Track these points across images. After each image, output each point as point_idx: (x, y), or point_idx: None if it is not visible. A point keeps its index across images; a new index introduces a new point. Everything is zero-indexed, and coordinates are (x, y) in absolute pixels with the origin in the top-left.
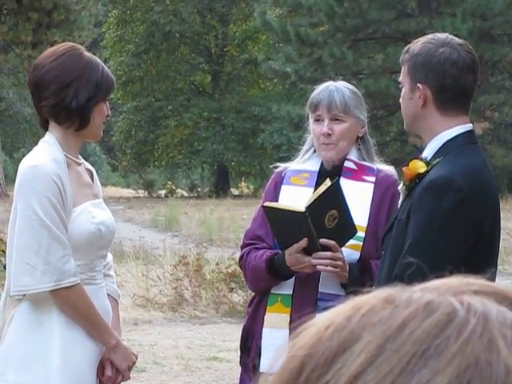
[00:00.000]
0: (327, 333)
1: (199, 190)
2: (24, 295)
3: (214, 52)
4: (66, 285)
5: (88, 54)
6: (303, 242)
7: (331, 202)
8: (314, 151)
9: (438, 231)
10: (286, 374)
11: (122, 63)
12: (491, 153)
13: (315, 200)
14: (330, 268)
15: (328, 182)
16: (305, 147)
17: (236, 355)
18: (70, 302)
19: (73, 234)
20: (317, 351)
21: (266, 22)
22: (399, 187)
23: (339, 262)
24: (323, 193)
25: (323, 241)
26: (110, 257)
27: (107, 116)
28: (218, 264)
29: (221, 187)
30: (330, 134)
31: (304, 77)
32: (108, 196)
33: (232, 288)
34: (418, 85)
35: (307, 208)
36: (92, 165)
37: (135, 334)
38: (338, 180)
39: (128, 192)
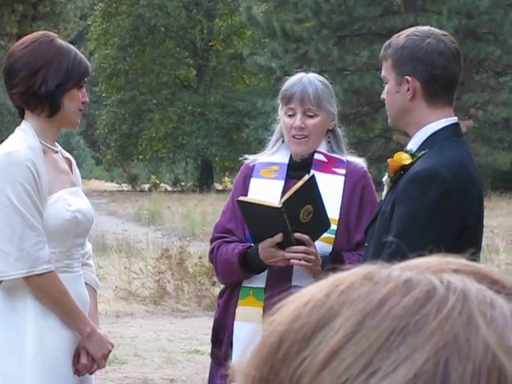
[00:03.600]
0: (306, 309)
1: (183, 184)
2: None
3: (199, 46)
4: (39, 272)
5: (60, 42)
6: (278, 237)
7: (307, 197)
8: (283, 141)
9: (422, 223)
10: (265, 349)
11: (107, 56)
12: (475, 151)
13: (291, 195)
14: (303, 262)
15: (306, 177)
16: (273, 138)
17: None
18: (44, 289)
19: (48, 221)
20: (296, 327)
21: (251, 17)
22: (384, 179)
23: (312, 257)
24: (299, 188)
25: (297, 235)
26: (89, 246)
27: (84, 103)
28: (200, 258)
29: (204, 182)
30: (302, 128)
31: (289, 72)
32: (91, 189)
33: (214, 282)
34: (407, 77)
35: (283, 203)
36: (76, 158)
37: (117, 327)
38: (314, 176)
39: (112, 186)
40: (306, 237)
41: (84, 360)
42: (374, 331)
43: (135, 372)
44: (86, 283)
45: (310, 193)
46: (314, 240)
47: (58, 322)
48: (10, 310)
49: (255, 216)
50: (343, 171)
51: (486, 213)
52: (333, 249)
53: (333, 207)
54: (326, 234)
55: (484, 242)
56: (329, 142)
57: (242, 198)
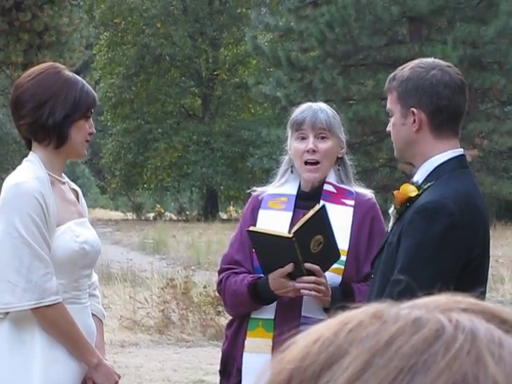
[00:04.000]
0: (315, 347)
1: (188, 213)
2: (6, 314)
3: (204, 76)
4: (47, 303)
5: (68, 73)
6: (289, 267)
7: (317, 227)
8: (292, 172)
9: (428, 255)
10: None
11: (113, 85)
12: (480, 180)
13: (302, 225)
14: (313, 293)
15: (317, 207)
16: (282, 168)
17: None
18: (52, 321)
19: (56, 252)
20: (304, 365)
21: (257, 47)
22: (390, 211)
23: (322, 287)
24: (310, 218)
25: (308, 265)
26: (95, 277)
27: (90, 134)
28: (205, 287)
29: (209, 211)
30: (314, 151)
31: (294, 101)
32: (96, 218)
33: (219, 311)
34: (413, 109)
35: (294, 233)
36: (81, 187)
37: (122, 356)
38: (325, 206)
39: (116, 214)
40: (316, 267)
41: None
42: (382, 370)
43: None
44: (92, 314)
45: (321, 223)
46: (325, 271)
47: (65, 353)
48: (17, 342)
49: (265, 246)
50: (352, 202)
51: (491, 242)
52: (342, 279)
53: (342, 238)
54: (335, 265)
55: (489, 272)
56: (338, 170)
57: (252, 228)
